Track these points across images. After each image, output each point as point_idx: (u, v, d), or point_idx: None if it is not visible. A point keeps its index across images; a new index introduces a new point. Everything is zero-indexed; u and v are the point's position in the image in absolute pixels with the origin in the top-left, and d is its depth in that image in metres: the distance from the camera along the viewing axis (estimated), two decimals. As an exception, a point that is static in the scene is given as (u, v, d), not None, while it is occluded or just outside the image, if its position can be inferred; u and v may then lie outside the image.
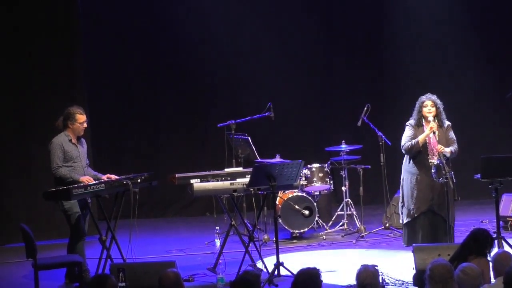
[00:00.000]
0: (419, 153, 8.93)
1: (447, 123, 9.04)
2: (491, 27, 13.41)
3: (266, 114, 10.83)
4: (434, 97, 9.05)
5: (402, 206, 9.13)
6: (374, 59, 13.54)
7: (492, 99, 13.30)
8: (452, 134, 9.02)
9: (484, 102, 13.39)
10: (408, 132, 9.01)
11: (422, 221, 8.92)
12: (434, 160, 8.78)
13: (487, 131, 13.33)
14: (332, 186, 11.16)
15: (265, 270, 8.51)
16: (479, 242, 6.37)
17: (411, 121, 9.06)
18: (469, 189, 12.15)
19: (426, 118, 8.95)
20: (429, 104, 8.95)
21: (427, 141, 8.86)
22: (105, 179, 8.68)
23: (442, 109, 9.03)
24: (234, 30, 13.25)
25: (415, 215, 8.94)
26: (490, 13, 13.40)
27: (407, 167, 9.06)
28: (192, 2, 13.17)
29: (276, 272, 8.36)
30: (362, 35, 13.52)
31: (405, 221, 9.11)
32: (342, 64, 13.56)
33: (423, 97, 9.05)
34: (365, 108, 10.82)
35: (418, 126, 8.98)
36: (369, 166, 11.16)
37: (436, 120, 8.94)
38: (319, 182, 10.96)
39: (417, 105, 9.07)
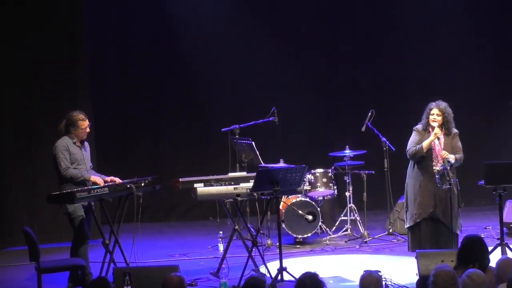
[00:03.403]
0: (423, 159, 8.90)
1: (454, 131, 8.97)
2: (495, 33, 13.40)
3: (270, 119, 10.82)
4: (443, 105, 8.91)
5: (406, 211, 9.13)
6: (379, 65, 13.52)
7: (495, 105, 13.29)
8: (458, 143, 8.95)
9: (487, 108, 13.38)
10: (413, 137, 8.98)
11: (425, 227, 8.89)
12: (438, 167, 8.76)
13: (491, 137, 13.30)
14: (335, 192, 11.14)
15: (268, 275, 8.49)
16: (473, 250, 6.34)
17: (419, 126, 9.02)
18: (473, 195, 12.15)
19: (431, 125, 8.91)
20: (435, 112, 8.89)
21: (432, 147, 8.83)
22: (109, 181, 8.71)
23: (451, 117, 8.94)
24: (239, 34, 13.25)
25: (417, 220, 8.92)
26: (495, 20, 13.39)
27: (411, 173, 9.04)
28: (196, 5, 13.18)
29: (279, 277, 8.36)
30: (368, 40, 13.51)
31: (407, 226, 9.11)
32: (346, 69, 13.55)
33: (432, 104, 8.95)
34: (369, 114, 10.81)
35: (425, 131, 8.95)
36: (373, 172, 11.15)
37: (442, 128, 8.88)
38: (323, 187, 10.95)
39: (425, 111, 9.01)
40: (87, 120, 8.79)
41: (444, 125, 8.89)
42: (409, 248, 9.09)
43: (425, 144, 8.80)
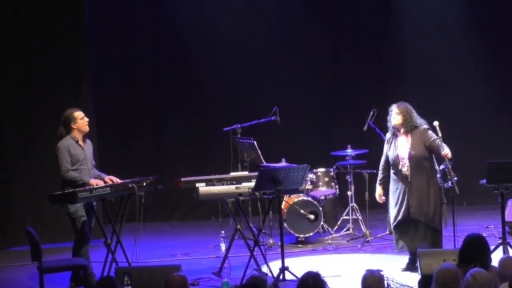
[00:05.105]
0: (394, 163, 8.90)
1: (423, 127, 8.87)
2: (498, 31, 13.40)
3: (272, 118, 10.81)
4: (403, 105, 8.87)
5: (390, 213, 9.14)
6: (381, 64, 13.53)
7: (498, 104, 13.29)
8: (433, 137, 8.84)
9: (490, 106, 13.37)
10: (384, 149, 9.06)
11: (406, 227, 8.88)
12: (404, 169, 8.78)
13: (493, 136, 13.29)
14: (337, 191, 11.14)
15: (270, 274, 8.51)
16: (475, 249, 6.34)
17: (388, 134, 9.04)
18: (475, 194, 12.16)
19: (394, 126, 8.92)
20: (395, 112, 8.86)
21: (395, 151, 8.83)
22: (108, 180, 8.69)
23: (413, 116, 8.86)
24: (240, 33, 13.25)
25: (396, 221, 8.91)
26: (497, 16, 13.39)
27: (391, 175, 9.08)
28: (198, 5, 13.18)
29: (281, 277, 8.36)
30: (369, 39, 13.52)
31: (392, 227, 9.11)
32: (348, 68, 13.56)
33: (393, 105, 8.94)
34: (371, 113, 10.80)
35: (393, 135, 8.94)
36: (375, 171, 11.13)
37: (403, 126, 8.82)
38: (325, 187, 10.95)
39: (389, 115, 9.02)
40: (80, 111, 8.76)
41: (404, 124, 8.85)
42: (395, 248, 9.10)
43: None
